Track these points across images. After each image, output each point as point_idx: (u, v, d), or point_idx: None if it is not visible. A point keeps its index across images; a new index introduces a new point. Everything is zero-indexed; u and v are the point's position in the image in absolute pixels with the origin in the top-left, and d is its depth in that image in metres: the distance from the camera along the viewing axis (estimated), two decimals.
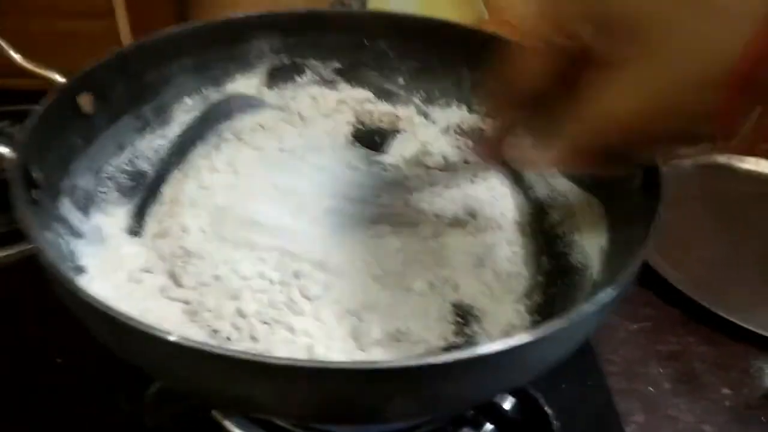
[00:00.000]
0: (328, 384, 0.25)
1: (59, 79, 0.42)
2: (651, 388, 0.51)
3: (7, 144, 0.35)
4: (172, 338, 0.25)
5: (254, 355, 0.24)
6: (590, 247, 0.41)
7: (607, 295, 0.28)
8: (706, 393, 0.51)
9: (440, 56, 0.55)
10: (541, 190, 0.49)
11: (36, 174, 0.36)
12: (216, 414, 0.41)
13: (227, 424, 0.41)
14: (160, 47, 0.48)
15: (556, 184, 0.47)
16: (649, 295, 0.59)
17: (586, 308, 0.28)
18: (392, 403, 0.27)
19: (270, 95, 0.55)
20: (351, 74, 0.57)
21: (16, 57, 0.41)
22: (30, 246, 0.50)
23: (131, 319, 0.25)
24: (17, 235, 0.51)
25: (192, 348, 0.25)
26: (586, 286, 0.38)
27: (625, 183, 0.40)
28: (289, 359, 0.25)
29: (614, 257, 0.38)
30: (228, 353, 0.24)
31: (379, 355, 0.34)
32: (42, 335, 0.48)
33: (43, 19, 0.73)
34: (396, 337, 0.36)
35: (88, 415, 0.43)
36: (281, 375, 0.25)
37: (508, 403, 0.39)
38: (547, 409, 0.37)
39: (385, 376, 0.25)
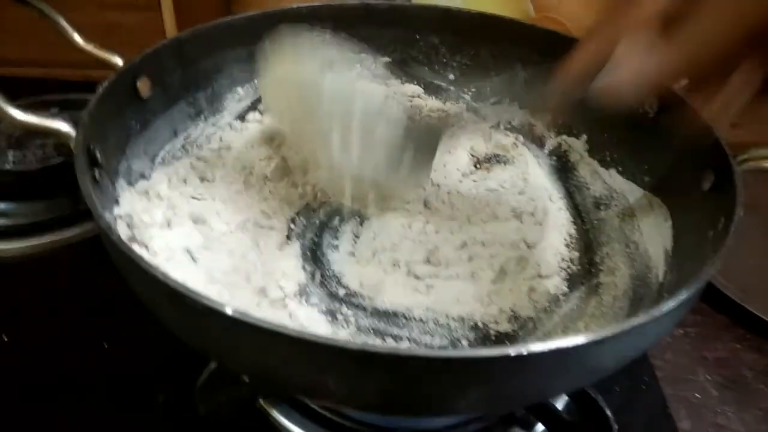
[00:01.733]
0: (405, 372, 0.24)
1: (118, 61, 0.42)
2: (698, 395, 0.50)
3: (69, 123, 0.35)
4: (239, 316, 0.24)
5: (330, 339, 0.24)
6: (654, 248, 0.40)
7: (687, 292, 0.28)
8: (755, 401, 0.50)
9: (493, 52, 0.54)
10: (597, 189, 0.48)
11: (96, 153, 0.36)
12: (263, 403, 0.41)
13: (275, 413, 0.40)
14: (216, 35, 0.48)
15: (614, 183, 0.47)
16: (696, 301, 0.58)
17: (667, 305, 0.27)
18: (466, 394, 0.26)
19: None
20: (401, 69, 0.57)
21: (79, 40, 0.41)
22: (89, 227, 0.51)
23: (202, 296, 0.25)
24: (73, 218, 0.53)
25: (265, 329, 0.24)
26: (652, 286, 0.37)
27: (691, 185, 0.39)
28: (365, 345, 0.24)
29: (681, 260, 0.37)
30: (303, 336, 0.24)
31: None
32: (90, 319, 0.48)
33: (91, 10, 0.73)
34: None
35: (135, 403, 0.42)
36: (357, 360, 0.24)
37: (560, 403, 0.39)
38: (607, 411, 0.36)
39: (463, 365, 0.24)
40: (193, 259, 0.39)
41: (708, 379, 0.51)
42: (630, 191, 0.45)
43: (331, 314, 0.37)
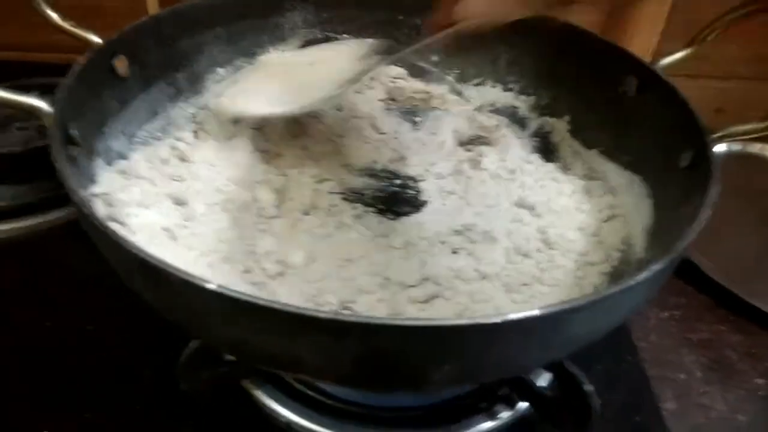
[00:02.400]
0: (379, 341, 0.24)
1: (96, 39, 0.41)
2: (682, 376, 0.50)
3: (46, 101, 0.35)
4: (211, 287, 0.24)
5: (301, 308, 0.24)
6: (633, 226, 0.40)
7: (660, 265, 0.28)
8: (739, 382, 0.50)
9: (475, 34, 0.54)
10: (578, 171, 0.48)
11: (73, 131, 0.35)
12: (246, 383, 0.41)
13: (257, 393, 0.40)
14: (195, 14, 0.48)
15: (595, 163, 0.47)
16: (680, 283, 0.58)
17: (640, 276, 0.27)
18: (438, 366, 0.26)
19: None
20: (384, 50, 0.56)
21: (54, 16, 0.41)
22: (72, 210, 0.51)
23: (179, 270, 0.25)
24: (56, 201, 0.53)
25: (233, 298, 0.24)
26: (632, 263, 0.37)
27: (670, 163, 0.39)
28: (336, 313, 0.24)
29: (660, 236, 0.37)
30: (273, 306, 0.24)
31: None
32: (73, 301, 0.47)
33: None
34: None
35: (120, 381, 0.42)
36: (329, 330, 0.24)
37: (543, 380, 0.39)
38: (586, 386, 0.36)
39: (435, 333, 0.24)
40: (174, 237, 0.39)
41: (692, 360, 0.52)
42: (611, 170, 0.46)
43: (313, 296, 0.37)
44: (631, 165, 0.44)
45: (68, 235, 0.52)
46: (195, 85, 0.49)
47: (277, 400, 0.40)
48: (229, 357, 0.39)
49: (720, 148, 0.37)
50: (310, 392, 0.40)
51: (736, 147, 0.69)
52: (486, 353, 0.26)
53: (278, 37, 0.54)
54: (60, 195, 0.53)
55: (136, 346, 0.45)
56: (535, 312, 0.24)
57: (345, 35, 0.56)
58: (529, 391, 0.39)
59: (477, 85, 0.56)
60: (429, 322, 0.25)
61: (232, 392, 0.41)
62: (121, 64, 0.42)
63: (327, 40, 0.55)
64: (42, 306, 0.47)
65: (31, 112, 0.35)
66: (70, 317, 0.46)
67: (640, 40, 0.70)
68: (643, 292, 0.29)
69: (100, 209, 0.37)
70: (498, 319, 0.24)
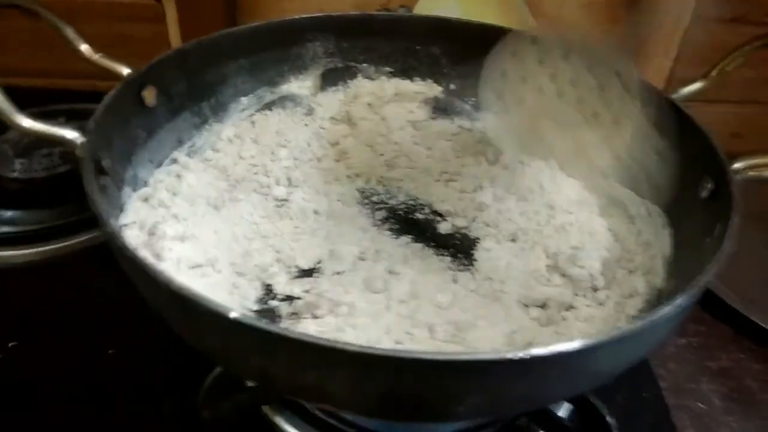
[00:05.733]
0: (406, 374, 0.25)
1: (124, 70, 0.42)
2: (701, 405, 0.50)
3: (76, 130, 0.36)
4: (235, 315, 0.25)
5: (328, 340, 0.24)
6: (652, 256, 0.40)
7: (684, 298, 0.28)
8: (760, 412, 0.49)
9: None
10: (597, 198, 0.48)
11: (105, 161, 0.36)
12: (267, 410, 0.41)
13: (278, 419, 0.40)
14: (219, 46, 0.49)
15: (614, 191, 0.47)
16: (698, 310, 0.58)
17: (663, 311, 0.27)
18: (464, 398, 0.26)
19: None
20: (401, 79, 0.57)
21: (86, 49, 0.42)
22: (93, 235, 0.52)
23: (204, 299, 0.26)
24: (78, 226, 0.54)
25: (264, 330, 0.25)
26: (650, 293, 0.38)
27: (690, 193, 0.39)
28: (363, 347, 0.24)
29: (681, 266, 0.37)
30: (301, 338, 0.24)
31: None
32: (95, 325, 0.48)
33: (99, 22, 0.74)
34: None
35: (140, 406, 0.43)
36: (356, 362, 0.24)
37: (563, 411, 0.39)
38: (609, 418, 0.36)
39: (461, 367, 0.24)
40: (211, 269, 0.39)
41: (712, 389, 0.51)
42: (629, 199, 0.46)
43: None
44: (650, 194, 0.45)
45: (91, 259, 0.53)
46: (219, 113, 0.50)
47: (297, 427, 0.40)
48: (250, 383, 0.40)
49: (740, 176, 0.37)
50: (330, 420, 0.40)
51: (754, 173, 0.69)
52: (510, 387, 0.26)
53: (299, 67, 0.55)
54: (82, 219, 0.54)
55: (157, 371, 0.45)
56: (560, 348, 0.25)
57: (364, 64, 0.57)
58: (549, 422, 0.39)
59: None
60: (455, 357, 0.25)
61: (252, 419, 0.41)
62: (149, 95, 0.43)
63: (347, 68, 0.56)
64: (64, 329, 0.48)
65: (64, 143, 0.36)
66: (91, 340, 0.47)
67: (654, 66, 0.71)
68: (667, 327, 0.29)
69: (132, 237, 0.37)
70: (523, 355, 0.24)
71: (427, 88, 0.57)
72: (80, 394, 0.43)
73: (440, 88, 0.57)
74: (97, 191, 0.33)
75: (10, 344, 0.46)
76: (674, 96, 0.44)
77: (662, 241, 0.41)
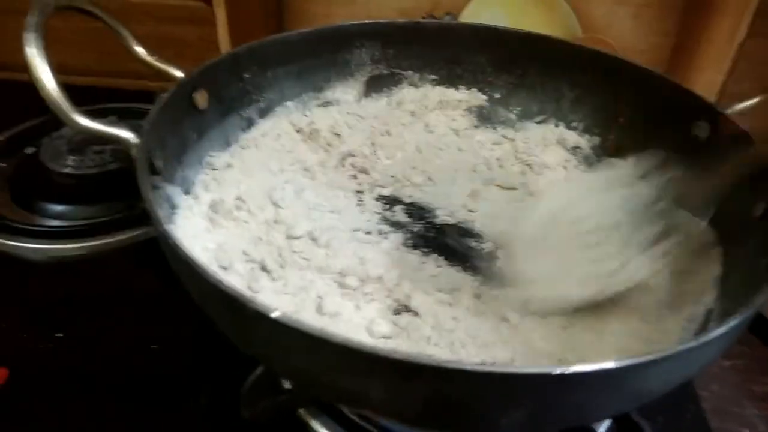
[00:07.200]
0: (448, 384, 0.25)
1: (177, 73, 0.43)
2: (746, 430, 0.48)
3: (131, 130, 0.37)
4: (281, 318, 0.25)
5: (373, 347, 0.24)
6: (703, 274, 0.39)
7: (737, 320, 0.27)
8: None
9: (539, 72, 0.54)
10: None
11: (157, 161, 0.37)
12: (303, 413, 0.41)
13: (314, 423, 0.41)
14: (269, 51, 0.50)
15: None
16: (744, 332, 0.56)
17: (714, 332, 0.27)
18: (506, 412, 0.26)
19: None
20: (446, 87, 0.57)
21: (141, 51, 0.43)
22: (142, 231, 0.53)
23: (251, 300, 0.26)
24: (127, 222, 0.55)
25: (310, 334, 0.25)
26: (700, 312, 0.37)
27: (743, 212, 0.38)
28: (408, 355, 0.24)
29: (732, 287, 0.36)
30: (347, 343, 0.24)
31: None
32: (141, 320, 0.49)
33: (148, 23, 0.76)
34: None
35: (181, 402, 0.43)
36: (399, 370, 0.24)
37: (602, 429, 0.38)
38: None
39: (506, 380, 0.24)
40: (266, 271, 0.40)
41: (756, 413, 0.50)
42: (679, 216, 0.45)
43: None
44: (700, 212, 0.44)
45: (137, 255, 0.55)
46: (265, 116, 0.51)
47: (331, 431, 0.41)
48: (288, 386, 0.40)
49: None
50: (364, 424, 0.40)
51: None
52: (552, 402, 0.26)
53: (346, 73, 0.55)
54: (130, 216, 0.56)
55: (197, 368, 0.46)
56: (609, 365, 0.24)
57: (409, 71, 0.57)
58: None
59: (539, 123, 0.56)
60: (500, 369, 0.25)
61: (289, 421, 0.41)
62: (201, 98, 0.44)
63: (392, 75, 0.57)
64: (109, 322, 0.49)
65: (118, 141, 0.37)
66: (135, 335, 0.48)
67: (706, 79, 0.69)
68: (718, 347, 0.29)
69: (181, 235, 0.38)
70: (568, 370, 0.24)
71: (471, 97, 0.58)
72: (123, 386, 0.44)
73: (484, 97, 0.57)
74: (150, 190, 0.34)
75: (57, 335, 0.47)
76: (729, 111, 0.43)
77: (713, 260, 0.40)
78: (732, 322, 0.27)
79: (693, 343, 0.25)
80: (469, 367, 0.24)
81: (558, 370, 0.24)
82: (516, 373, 0.24)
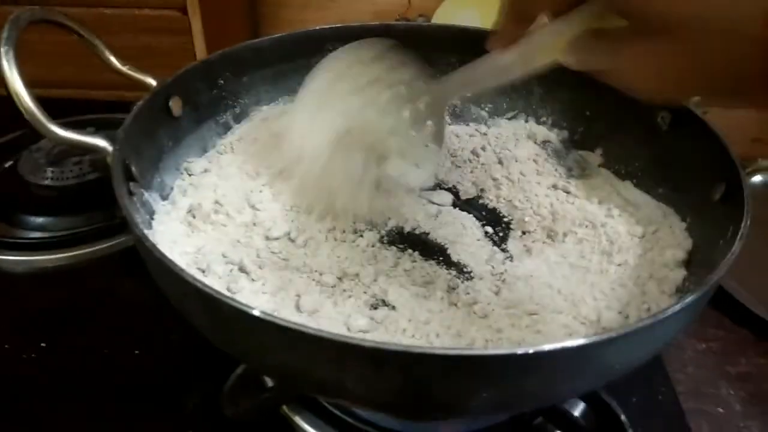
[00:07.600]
0: (418, 369, 0.26)
1: (151, 81, 0.44)
2: (720, 409, 0.50)
3: (106, 139, 0.38)
4: (257, 313, 0.26)
5: (344, 336, 0.25)
6: (668, 256, 0.41)
7: (693, 296, 0.28)
8: None
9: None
10: (613, 201, 0.49)
11: (133, 168, 0.38)
12: (286, 409, 0.42)
13: (297, 419, 0.42)
14: (243, 57, 0.51)
15: (629, 195, 0.47)
16: (718, 315, 0.57)
17: (672, 309, 0.28)
18: (475, 394, 0.27)
19: None
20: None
21: (115, 61, 0.44)
22: (122, 240, 0.54)
23: (227, 297, 0.27)
24: (107, 231, 0.56)
25: (283, 326, 0.26)
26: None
27: (704, 196, 0.40)
28: (378, 342, 0.25)
29: (696, 268, 0.38)
30: (319, 334, 0.25)
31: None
32: (122, 327, 0.50)
33: (126, 35, 0.77)
34: None
35: (165, 405, 0.44)
36: (370, 358, 0.25)
37: (577, 410, 0.39)
38: (622, 417, 0.36)
39: (473, 362, 0.25)
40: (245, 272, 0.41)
41: (731, 393, 0.51)
42: (645, 202, 0.46)
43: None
44: (665, 197, 0.45)
45: (118, 263, 0.55)
46: (241, 121, 0.52)
47: (315, 427, 0.41)
48: (271, 383, 0.41)
49: (755, 179, 0.37)
50: (348, 419, 0.41)
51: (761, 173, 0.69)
52: (520, 382, 0.27)
53: None
54: (110, 226, 0.56)
55: (180, 371, 0.47)
56: (570, 343, 0.25)
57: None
58: (564, 421, 0.39)
59: (510, 119, 0.57)
60: (467, 352, 0.26)
61: (272, 418, 0.42)
62: (175, 105, 0.45)
63: None
64: (92, 330, 0.50)
65: (95, 151, 0.37)
66: (118, 341, 0.48)
67: None
68: (676, 324, 0.30)
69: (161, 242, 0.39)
70: (531, 350, 0.25)
71: None
72: (107, 392, 0.45)
73: None
74: (127, 196, 0.34)
75: (41, 344, 0.48)
76: (692, 100, 0.45)
77: (676, 243, 0.41)
78: (687, 299, 0.28)
79: (649, 320, 0.27)
80: (435, 351, 0.25)
81: (521, 350, 0.25)
82: (481, 355, 0.25)
